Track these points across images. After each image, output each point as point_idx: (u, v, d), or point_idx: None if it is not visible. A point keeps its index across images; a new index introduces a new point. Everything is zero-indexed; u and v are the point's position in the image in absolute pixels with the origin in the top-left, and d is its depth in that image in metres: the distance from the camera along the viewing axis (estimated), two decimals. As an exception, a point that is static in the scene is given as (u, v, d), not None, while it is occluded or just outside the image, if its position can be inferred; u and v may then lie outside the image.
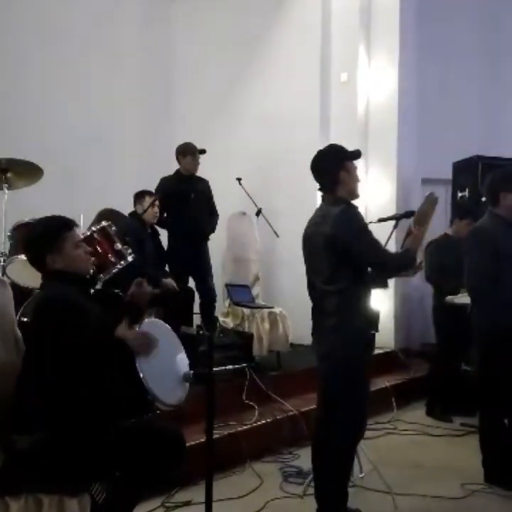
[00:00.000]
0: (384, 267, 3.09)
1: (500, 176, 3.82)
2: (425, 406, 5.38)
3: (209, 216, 5.63)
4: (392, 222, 3.54)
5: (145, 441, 2.42)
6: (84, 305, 2.45)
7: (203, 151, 5.49)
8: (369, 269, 3.10)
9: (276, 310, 5.50)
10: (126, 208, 5.11)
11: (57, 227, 2.59)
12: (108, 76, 6.61)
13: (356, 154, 3.14)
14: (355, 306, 3.02)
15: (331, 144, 3.30)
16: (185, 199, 5.41)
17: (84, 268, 2.64)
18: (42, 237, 2.57)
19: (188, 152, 5.48)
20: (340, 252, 2.96)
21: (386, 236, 3.44)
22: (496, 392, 3.70)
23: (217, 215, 5.71)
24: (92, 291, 2.75)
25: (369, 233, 3.01)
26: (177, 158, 5.54)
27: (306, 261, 3.21)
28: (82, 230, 3.68)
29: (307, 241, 3.18)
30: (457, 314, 4.69)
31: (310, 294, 3.20)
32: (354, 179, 3.11)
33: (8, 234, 4.14)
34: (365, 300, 3.08)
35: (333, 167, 3.07)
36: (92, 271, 3.01)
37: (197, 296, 5.55)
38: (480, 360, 3.85)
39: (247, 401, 4.50)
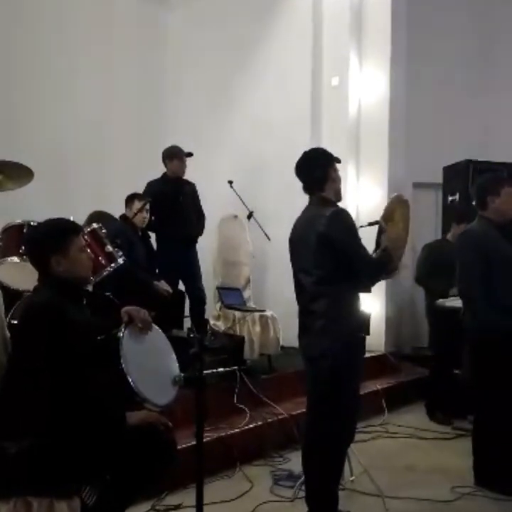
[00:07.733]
0: (365, 270, 3.07)
1: (488, 180, 3.87)
2: (425, 407, 5.36)
3: (197, 219, 5.63)
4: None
5: (135, 443, 2.40)
6: (74, 315, 2.42)
7: (189, 154, 5.48)
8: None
9: (268, 313, 5.49)
10: (117, 210, 5.10)
11: (66, 230, 2.59)
12: (100, 80, 6.60)
13: (338, 159, 3.25)
14: (346, 308, 3.01)
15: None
16: (174, 202, 5.39)
17: (85, 273, 2.64)
18: (50, 238, 2.54)
19: (174, 156, 5.46)
20: (333, 252, 2.96)
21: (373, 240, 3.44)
22: (488, 395, 3.71)
23: (205, 218, 5.71)
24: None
25: (358, 237, 3.05)
26: (163, 161, 5.51)
27: (294, 262, 3.21)
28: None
29: (297, 242, 3.18)
30: (448, 317, 4.70)
31: (297, 295, 3.19)
32: (339, 179, 3.23)
33: (-2, 236, 4.10)
34: (356, 302, 3.08)
35: (325, 163, 3.18)
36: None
37: (187, 298, 5.54)
38: (472, 363, 3.86)
39: (238, 404, 4.49)
